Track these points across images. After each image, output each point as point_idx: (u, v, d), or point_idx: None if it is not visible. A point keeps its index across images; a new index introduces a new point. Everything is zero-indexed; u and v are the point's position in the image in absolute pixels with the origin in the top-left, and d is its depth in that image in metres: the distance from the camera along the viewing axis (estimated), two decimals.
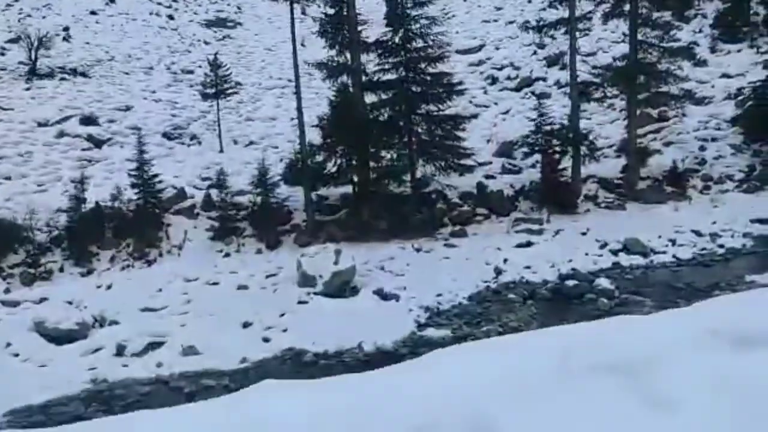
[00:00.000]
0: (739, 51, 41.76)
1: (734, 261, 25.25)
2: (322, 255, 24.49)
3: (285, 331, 21.09)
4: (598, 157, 33.10)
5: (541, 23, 34.30)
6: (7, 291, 24.99)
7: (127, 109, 38.42)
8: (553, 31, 34.27)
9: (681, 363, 3.51)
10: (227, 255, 28.18)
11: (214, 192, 30.57)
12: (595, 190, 32.55)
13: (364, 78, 31.24)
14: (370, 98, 31.67)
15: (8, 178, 31.20)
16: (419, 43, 31.16)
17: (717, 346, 3.57)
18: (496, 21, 51.70)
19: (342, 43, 31.05)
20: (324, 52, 32.42)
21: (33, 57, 41.96)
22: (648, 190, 32.21)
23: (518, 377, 3.48)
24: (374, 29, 32.64)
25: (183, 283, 25.23)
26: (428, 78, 31.47)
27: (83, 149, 34.42)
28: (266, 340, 20.60)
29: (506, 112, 40.47)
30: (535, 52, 44.93)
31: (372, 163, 30.58)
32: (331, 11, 31.51)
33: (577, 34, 33.24)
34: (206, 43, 51.32)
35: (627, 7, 33.42)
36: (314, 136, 32.04)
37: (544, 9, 36.83)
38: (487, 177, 32.76)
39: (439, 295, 23.05)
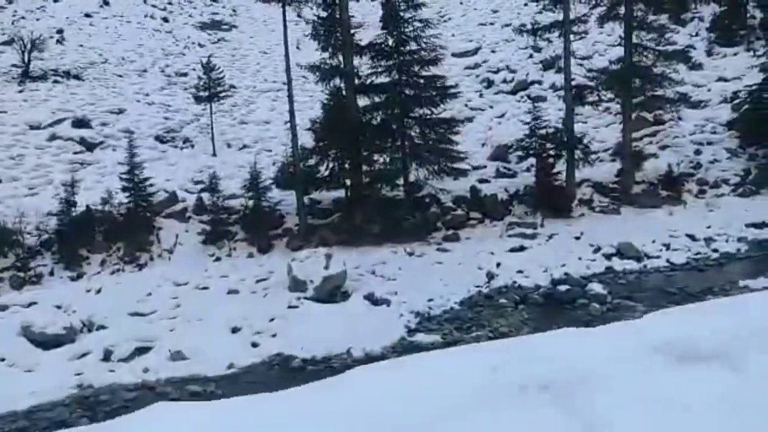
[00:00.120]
0: (735, 54, 41.69)
1: (728, 266, 25.12)
2: (312, 259, 24.27)
3: (274, 336, 20.84)
4: (593, 161, 32.96)
5: (536, 26, 34.10)
6: None
7: (120, 112, 38.21)
8: (548, 34, 34.10)
9: (619, 380, 3.33)
10: (218, 259, 28.00)
11: (206, 196, 30.36)
12: (590, 194, 32.38)
13: (357, 81, 31.02)
14: (363, 101, 31.45)
15: None
16: (412, 46, 30.94)
17: (660, 363, 3.38)
18: (492, 24, 51.54)
19: (335, 46, 30.82)
20: (318, 55, 32.23)
21: (26, 59, 41.81)
22: (643, 194, 32.05)
23: (440, 397, 3.29)
24: (370, 32, 32.43)
25: (173, 287, 25.03)
26: (421, 81, 31.28)
27: (75, 152, 34.20)
28: (255, 345, 20.36)
29: (502, 116, 40.25)
30: (531, 56, 44.77)
31: (365, 167, 30.38)
32: (323, 14, 31.18)
33: (572, 37, 33.05)
34: (201, 45, 51.13)
35: (622, 10, 33.24)
36: (307, 140, 31.88)
37: (540, 12, 36.71)
38: (482, 181, 32.57)
39: (430, 300, 22.85)
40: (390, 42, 30.84)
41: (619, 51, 34.41)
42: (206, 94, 36.93)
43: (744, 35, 42.87)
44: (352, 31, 31.63)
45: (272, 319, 21.77)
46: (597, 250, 26.66)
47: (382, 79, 31.22)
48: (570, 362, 3.50)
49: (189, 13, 57.85)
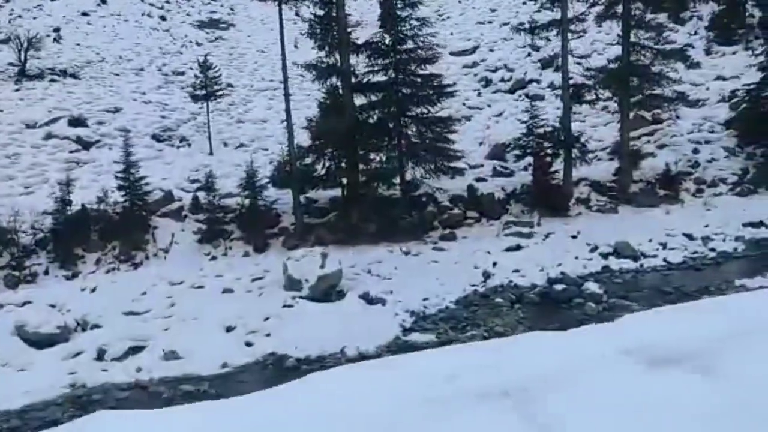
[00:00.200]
0: (734, 53, 41.61)
1: (725, 265, 25.07)
2: (308, 258, 24.19)
3: (268, 335, 20.77)
4: (590, 159, 32.90)
5: (534, 25, 34.00)
6: None
7: (117, 110, 38.10)
8: (546, 33, 33.98)
9: (586, 385, 3.23)
10: (214, 258, 27.90)
11: (202, 194, 30.25)
12: (587, 193, 32.29)
13: (353, 79, 30.87)
14: (359, 100, 31.30)
15: None
16: (409, 45, 30.81)
17: (630, 366, 3.28)
18: (490, 23, 51.46)
19: (331, 45, 30.68)
20: (315, 54, 32.10)
21: (22, 58, 41.71)
22: (640, 193, 31.97)
23: (398, 404, 3.18)
24: (368, 31, 32.29)
25: (168, 286, 24.95)
26: (418, 80, 31.12)
27: (71, 151, 34.10)
28: (249, 344, 20.29)
29: (499, 115, 40.21)
30: (529, 54, 44.69)
31: (361, 166, 30.31)
32: (320, 12, 31.05)
33: (570, 35, 32.94)
34: (198, 44, 51.03)
35: (620, 9, 33.13)
36: (304, 138, 31.80)
37: (538, 10, 36.60)
38: (479, 180, 32.48)
39: (425, 299, 22.78)
40: (387, 40, 30.69)
41: (618, 50, 34.30)
42: (203, 92, 36.82)
43: (743, 34, 42.78)
44: (350, 29, 31.53)
45: (267, 319, 21.70)
46: (594, 249, 26.59)
47: (379, 77, 31.05)
48: (535, 367, 3.40)
49: (187, 11, 57.72)
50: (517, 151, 33.61)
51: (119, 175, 29.26)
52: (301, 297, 23.11)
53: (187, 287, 24.86)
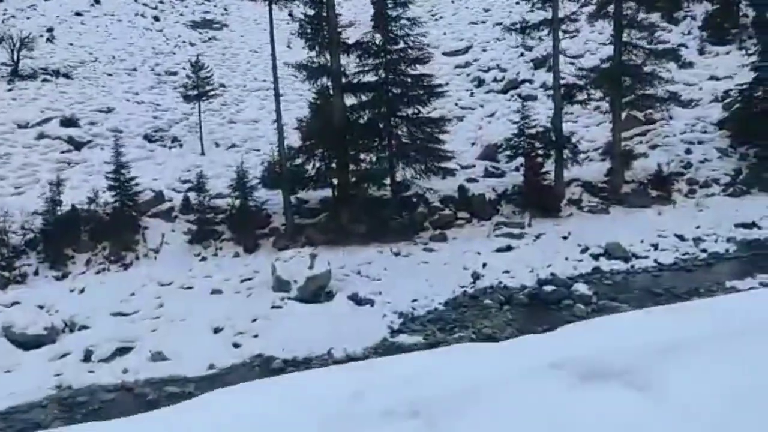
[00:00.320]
0: (727, 53, 41.49)
1: (716, 266, 25.05)
2: (297, 259, 24.13)
3: (256, 336, 20.75)
4: (581, 160, 32.86)
5: (524, 25, 33.92)
6: None
7: (109, 111, 37.94)
8: (537, 33, 33.93)
9: (507, 401, 3.12)
10: (204, 259, 27.82)
11: (192, 195, 30.16)
12: (579, 193, 32.21)
13: (344, 80, 30.78)
14: (350, 100, 31.24)
15: None
16: (400, 45, 30.75)
17: (559, 381, 3.19)
18: (483, 23, 51.26)
19: (322, 45, 30.59)
20: (307, 54, 32.03)
21: (15, 58, 41.55)
22: (632, 194, 31.90)
23: (291, 426, 3.09)
24: (362, 31, 32.20)
25: (157, 287, 24.88)
26: (408, 80, 31.07)
27: (63, 151, 33.96)
28: (236, 345, 20.26)
29: (492, 115, 40.07)
30: (522, 54, 44.55)
31: (352, 166, 30.26)
32: (310, 12, 30.97)
33: (563, 35, 32.89)
34: (191, 44, 50.81)
35: (612, 9, 33.07)
36: (296, 139, 31.72)
37: (531, 10, 36.47)
38: (470, 180, 32.38)
39: (414, 300, 22.75)
40: (377, 40, 30.62)
41: (610, 49, 34.22)
42: (195, 93, 36.67)
43: (736, 34, 42.68)
44: (343, 30, 31.47)
45: (255, 320, 21.67)
46: (584, 250, 26.55)
47: (370, 77, 31.00)
48: (457, 382, 3.30)
49: (180, 11, 57.52)
50: (508, 152, 33.51)
51: (110, 175, 29.14)
52: (289, 298, 23.07)
53: (176, 288, 24.81)
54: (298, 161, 30.38)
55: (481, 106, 41.39)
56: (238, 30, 55.00)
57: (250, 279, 25.19)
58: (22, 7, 51.53)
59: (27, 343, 20.58)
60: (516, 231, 28.73)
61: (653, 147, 34.82)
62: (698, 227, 28.29)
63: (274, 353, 19.43)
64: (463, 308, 22.32)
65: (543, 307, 21.89)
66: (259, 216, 29.54)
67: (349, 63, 31.27)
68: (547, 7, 33.23)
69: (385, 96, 30.83)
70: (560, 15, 32.42)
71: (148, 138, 36.30)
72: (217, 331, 21.13)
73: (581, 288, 22.36)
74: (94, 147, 34.63)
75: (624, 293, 22.57)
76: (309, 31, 30.85)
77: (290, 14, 44.40)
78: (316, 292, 23.29)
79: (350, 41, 31.18)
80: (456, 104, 40.92)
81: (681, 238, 27.36)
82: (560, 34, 32.74)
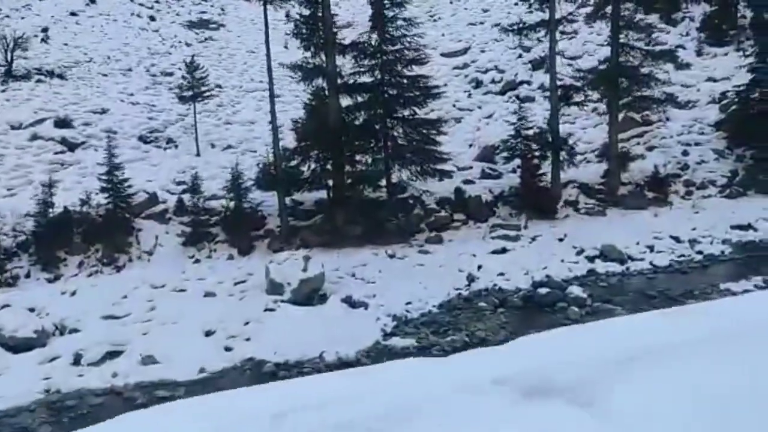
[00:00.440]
0: (725, 54, 41.38)
1: (712, 268, 24.95)
2: (290, 262, 23.98)
3: (248, 340, 20.54)
4: (578, 162, 32.74)
5: (521, 26, 33.78)
6: None
7: (103, 111, 37.75)
8: (534, 34, 33.81)
9: (446, 420, 2.95)
10: (197, 261, 27.62)
11: (186, 197, 29.96)
12: (575, 195, 32.07)
13: (339, 80, 30.60)
14: (345, 101, 31.08)
15: None
16: (396, 45, 30.58)
17: (502, 397, 3.02)
18: (482, 23, 51.09)
19: (317, 45, 30.40)
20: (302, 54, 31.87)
21: (9, 58, 41.35)
22: (629, 196, 31.77)
23: None
24: (360, 31, 32.06)
25: (149, 289, 24.64)
26: (405, 81, 30.91)
27: (56, 152, 33.76)
28: (228, 349, 20.06)
29: (489, 116, 39.93)
30: (520, 56, 44.41)
31: (347, 168, 30.08)
32: (306, 12, 30.78)
33: (562, 36, 32.82)
34: (188, 44, 50.63)
35: (609, 10, 32.92)
36: (291, 140, 31.57)
37: (530, 11, 36.34)
38: (467, 182, 32.23)
39: (408, 303, 22.58)
40: (373, 41, 30.45)
41: (608, 50, 34.06)
42: (190, 93, 36.48)
43: (734, 35, 42.56)
44: (341, 30, 31.35)
45: (247, 323, 21.46)
46: (580, 252, 26.42)
47: (365, 78, 30.83)
48: (389, 400, 3.12)
49: (177, 11, 57.35)
50: (505, 154, 33.39)
51: (102, 177, 28.93)
52: (283, 301, 22.86)
53: (168, 290, 24.58)
54: (294, 163, 30.17)
55: (479, 107, 41.26)
56: (235, 30, 54.84)
57: (243, 281, 24.97)
58: (16, 7, 51.35)
59: (17, 346, 20.36)
60: (512, 233, 28.59)
61: (650, 148, 34.70)
62: (694, 229, 28.19)
63: (265, 357, 19.23)
64: (458, 311, 22.16)
65: (537, 310, 21.74)
66: (253, 218, 29.36)
67: (345, 64, 31.12)
68: (544, 8, 33.10)
69: (381, 97, 30.67)
70: (557, 16, 32.25)
71: (142, 139, 36.12)
72: (209, 334, 20.93)
73: (576, 290, 22.22)
74: (87, 148, 34.45)
75: (619, 295, 22.43)
76: (304, 31, 30.65)
77: (287, 15, 44.20)
78: (310, 294, 23.10)
79: (345, 41, 31.01)
80: (454, 105, 40.82)
81: (677, 239, 27.25)
82: (557, 35, 32.68)
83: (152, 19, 54.95)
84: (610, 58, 33.30)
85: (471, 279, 24.39)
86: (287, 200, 29.77)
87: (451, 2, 56.67)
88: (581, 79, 33.69)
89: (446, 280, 24.36)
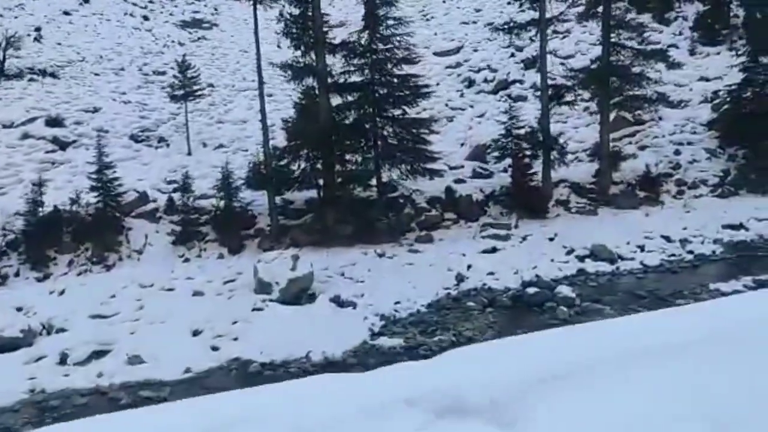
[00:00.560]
0: (718, 54, 41.41)
1: (702, 268, 24.92)
2: (279, 261, 23.92)
3: (235, 339, 20.45)
4: (569, 161, 32.70)
5: (512, 24, 33.73)
6: None
7: (95, 110, 37.61)
8: (525, 33, 33.78)
9: None
10: (187, 260, 27.55)
11: (177, 196, 29.87)
12: (567, 194, 32.05)
13: (330, 80, 30.52)
14: (335, 100, 30.99)
15: None
16: (386, 44, 30.51)
17: (414, 418, 2.93)
18: (475, 23, 50.98)
19: (307, 44, 30.33)
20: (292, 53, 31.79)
21: (1, 58, 41.23)
22: (621, 195, 31.75)
23: None
24: (352, 30, 31.99)
25: (138, 289, 24.55)
26: (395, 80, 30.83)
27: (47, 151, 33.60)
28: (215, 348, 19.97)
29: (482, 116, 39.82)
30: (512, 55, 44.34)
31: (337, 167, 30.00)
32: (296, 11, 30.69)
33: (554, 35, 32.80)
34: (181, 44, 50.50)
35: (601, 9, 32.88)
36: (282, 140, 31.48)
37: (523, 10, 36.29)
38: (458, 181, 32.16)
39: (397, 302, 22.52)
40: (363, 40, 30.37)
41: (600, 50, 34.01)
42: (181, 92, 36.38)
43: (727, 34, 42.58)
44: (334, 29, 31.25)
45: (235, 322, 21.37)
46: (570, 251, 26.38)
47: (356, 77, 30.76)
48: (289, 422, 3.03)
49: (170, 11, 57.20)
50: (496, 153, 33.29)
51: (92, 176, 28.83)
52: (271, 300, 22.79)
53: (157, 290, 24.48)
54: (284, 162, 30.08)
55: (471, 106, 41.17)
56: (228, 30, 54.71)
57: (232, 281, 24.88)
58: (9, 6, 51.14)
59: (2, 346, 20.20)
60: (502, 232, 28.54)
61: (642, 148, 34.68)
62: (685, 228, 28.16)
63: (252, 357, 19.16)
64: (446, 310, 22.11)
65: (526, 310, 21.70)
66: (244, 217, 29.30)
67: (336, 63, 31.04)
68: (535, 7, 33.06)
69: (371, 96, 30.58)
70: (548, 15, 32.21)
71: (134, 138, 35.97)
72: (196, 333, 20.85)
73: (565, 290, 22.14)
74: (79, 147, 34.29)
75: (608, 295, 22.38)
76: (294, 30, 30.55)
77: (280, 14, 44.13)
78: (298, 294, 23.04)
79: (335, 41, 30.93)
80: (446, 105, 40.74)
81: (668, 239, 27.22)
82: (548, 34, 32.61)
83: (145, 18, 54.83)
84: (601, 57, 33.24)
85: (460, 278, 24.33)
86: (277, 199, 29.69)
87: (444, 1, 56.60)
88: (573, 78, 33.66)
89: (435, 280, 24.30)
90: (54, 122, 35.62)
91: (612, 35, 32.59)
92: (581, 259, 25.77)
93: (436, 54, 46.80)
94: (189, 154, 35.08)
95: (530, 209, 30.26)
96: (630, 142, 35.14)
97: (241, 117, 39.79)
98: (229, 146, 36.27)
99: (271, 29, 38.19)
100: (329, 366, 18.15)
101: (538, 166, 31.85)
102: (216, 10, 58.56)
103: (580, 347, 4.07)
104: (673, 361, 3.71)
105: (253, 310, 22.24)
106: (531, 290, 22.50)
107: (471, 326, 20.48)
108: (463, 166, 34.08)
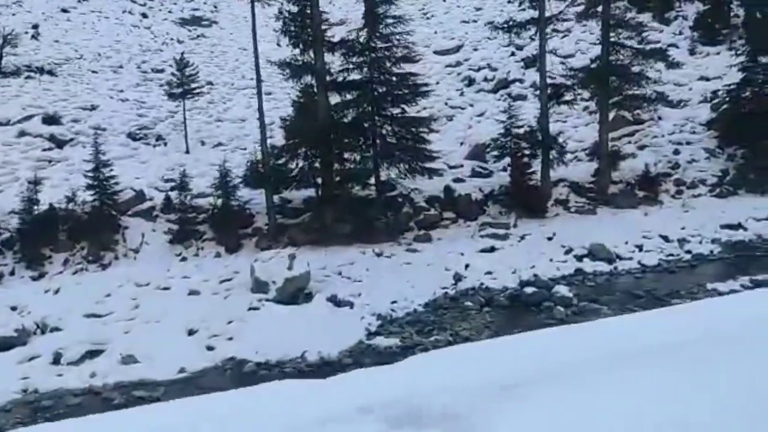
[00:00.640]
0: (718, 53, 41.27)
1: (700, 267, 24.86)
2: (276, 260, 23.77)
3: (231, 339, 20.37)
4: (568, 160, 32.56)
5: (511, 23, 33.59)
6: None
7: (93, 108, 37.43)
8: (524, 32, 33.63)
9: None
10: (184, 259, 27.40)
11: (174, 194, 29.73)
12: (566, 194, 31.93)
13: (328, 78, 30.39)
14: (334, 99, 30.85)
15: None
16: (385, 43, 30.37)
17: (367, 428, 2.80)
18: (475, 21, 50.82)
19: (306, 42, 30.19)
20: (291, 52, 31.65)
21: None
22: (620, 195, 31.63)
23: None
24: (351, 28, 31.83)
25: (133, 288, 24.42)
26: (394, 78, 30.69)
27: (44, 149, 33.41)
28: (210, 348, 19.88)
29: (481, 115, 39.68)
30: (513, 54, 44.20)
31: (336, 166, 29.87)
32: (294, 9, 30.55)
33: (554, 34, 32.67)
34: (179, 41, 50.36)
35: (601, 8, 32.74)
36: (281, 138, 31.34)
37: (523, 9, 36.12)
38: (457, 180, 32.04)
39: (394, 302, 22.43)
40: (362, 38, 30.23)
41: (600, 49, 33.89)
42: (179, 90, 36.23)
43: (727, 34, 42.43)
44: (334, 27, 31.11)
45: (231, 322, 21.30)
46: (569, 251, 26.29)
47: (355, 76, 30.61)
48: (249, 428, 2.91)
49: (169, 9, 57.03)
50: (495, 152, 33.13)
51: (89, 174, 28.69)
52: (267, 299, 22.70)
53: (152, 289, 24.36)
54: (282, 160, 29.94)
55: (471, 105, 41.03)
56: (228, 27, 54.56)
57: (229, 280, 24.78)
58: (7, 3, 50.96)
59: None
60: (501, 231, 28.42)
61: (641, 147, 34.56)
62: (684, 228, 28.08)
63: (247, 356, 19.06)
64: (443, 310, 22.02)
65: (523, 309, 21.62)
66: (241, 216, 29.14)
67: (334, 61, 30.91)
68: (535, 5, 32.92)
69: (370, 95, 30.45)
70: (547, 14, 32.07)
71: (132, 136, 35.79)
72: (191, 333, 20.76)
73: (562, 290, 22.06)
74: (76, 145, 34.12)
75: (605, 295, 22.31)
76: (293, 28, 30.41)
77: (279, 11, 43.98)
78: (295, 293, 22.93)
79: (334, 39, 30.79)
80: (446, 103, 40.60)
81: (666, 239, 27.14)
82: (548, 33, 32.46)
83: (144, 16, 54.67)
84: (600, 56, 33.10)
85: (458, 278, 24.23)
86: (275, 198, 29.54)
87: (444, 0, 56.41)
88: (572, 77, 33.52)
89: (433, 279, 24.20)
90: (51, 120, 35.45)
91: (612, 34, 32.46)
92: (579, 258, 25.69)
93: (436, 53, 46.66)
94: (187, 152, 34.92)
95: (529, 208, 30.15)
96: (629, 142, 35.02)
97: (240, 115, 39.64)
98: (228, 144, 36.11)
99: (270, 27, 38.03)
100: (325, 366, 18.06)
101: (537, 166, 31.73)
102: (215, 7, 58.41)
103: (573, 347, 3.97)
104: (667, 360, 3.59)
105: (249, 309, 22.16)
106: (529, 290, 22.43)
107: (468, 326, 20.40)
108: (462, 166, 33.95)
